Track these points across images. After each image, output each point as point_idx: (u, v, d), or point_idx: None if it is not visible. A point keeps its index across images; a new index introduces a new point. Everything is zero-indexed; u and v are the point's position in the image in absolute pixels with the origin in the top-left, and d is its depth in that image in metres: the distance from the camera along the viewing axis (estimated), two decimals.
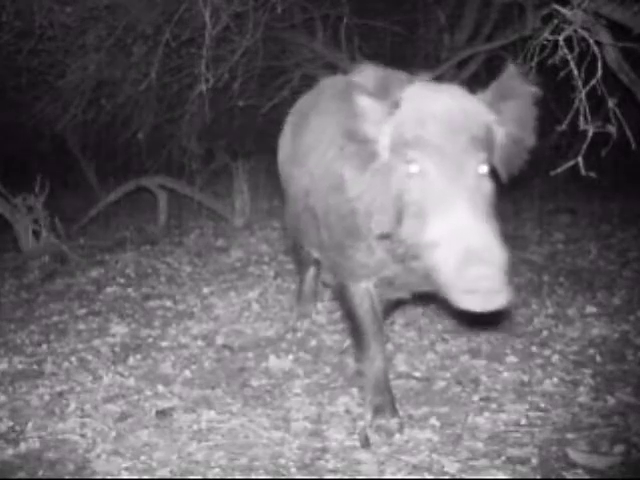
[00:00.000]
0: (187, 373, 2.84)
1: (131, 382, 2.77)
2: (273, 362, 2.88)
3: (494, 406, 2.36)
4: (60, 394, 2.70)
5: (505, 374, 2.62)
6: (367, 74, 1.88)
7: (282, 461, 2.10)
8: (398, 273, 2.11)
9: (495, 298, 1.61)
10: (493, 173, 1.90)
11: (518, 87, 1.92)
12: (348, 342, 2.95)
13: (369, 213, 1.96)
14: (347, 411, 2.41)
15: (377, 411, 2.27)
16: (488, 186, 1.82)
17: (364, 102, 1.88)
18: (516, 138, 1.94)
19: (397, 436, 2.18)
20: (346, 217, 2.16)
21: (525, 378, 2.57)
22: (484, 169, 1.80)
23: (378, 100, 1.87)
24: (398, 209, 1.84)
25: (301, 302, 3.42)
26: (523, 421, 2.25)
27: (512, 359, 2.75)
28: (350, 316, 2.37)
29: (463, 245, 1.62)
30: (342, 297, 2.39)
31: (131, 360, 3.01)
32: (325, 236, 2.38)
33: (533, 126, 1.95)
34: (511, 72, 1.93)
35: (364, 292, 2.31)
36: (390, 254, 2.03)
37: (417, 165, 1.79)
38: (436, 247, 1.68)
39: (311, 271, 3.35)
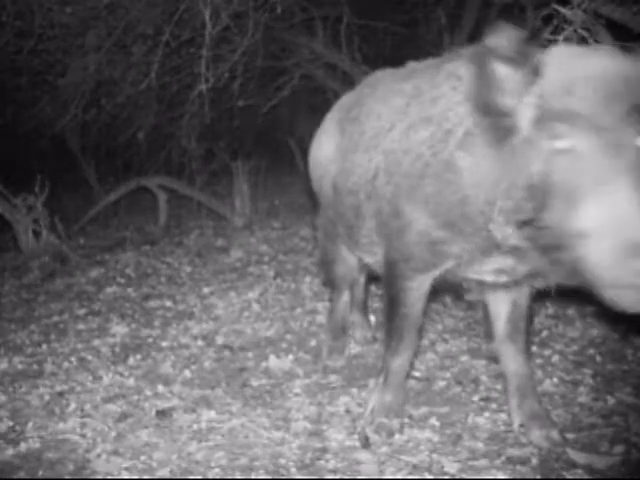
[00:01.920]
0: (187, 373, 2.84)
1: (131, 382, 2.77)
2: (273, 362, 2.88)
3: (494, 406, 2.36)
4: (60, 394, 2.70)
5: None
6: (501, 37, 1.66)
7: (282, 461, 2.09)
8: (506, 265, 1.96)
9: None
10: None
11: None
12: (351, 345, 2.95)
13: (491, 200, 1.78)
14: (347, 411, 2.41)
15: (382, 408, 2.24)
16: None
17: (500, 69, 1.68)
18: None
19: (397, 436, 2.18)
20: (453, 207, 1.92)
21: None
22: None
23: (516, 66, 1.66)
24: (542, 192, 1.64)
25: (333, 334, 2.93)
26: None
27: None
28: (395, 312, 2.21)
29: (626, 235, 1.46)
30: (394, 293, 2.20)
31: (131, 360, 3.01)
32: (399, 223, 2.12)
33: None
34: None
35: (422, 293, 2.16)
36: (530, 243, 1.78)
37: (567, 140, 1.60)
38: (592, 236, 1.52)
39: (345, 295, 2.93)
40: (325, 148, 2.73)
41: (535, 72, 1.65)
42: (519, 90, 1.67)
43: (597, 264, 1.53)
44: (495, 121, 1.72)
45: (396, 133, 2.20)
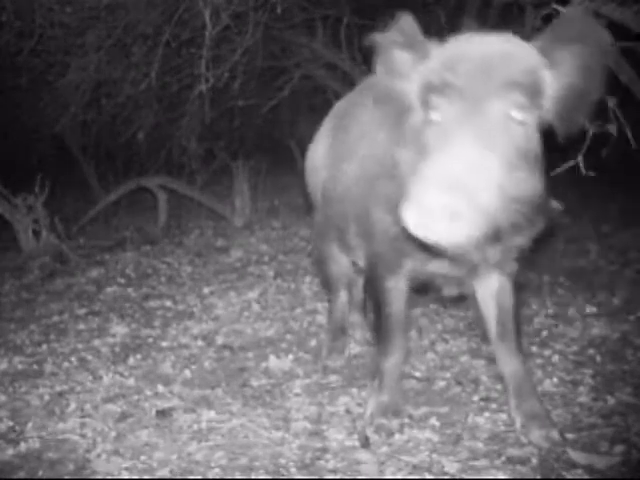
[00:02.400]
0: (187, 373, 2.84)
1: (131, 382, 2.77)
2: (273, 362, 2.88)
3: (494, 406, 2.36)
4: (60, 394, 2.70)
5: None
6: (398, 27, 1.80)
7: (282, 461, 2.09)
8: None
9: (454, 227, 1.47)
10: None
11: (581, 30, 1.69)
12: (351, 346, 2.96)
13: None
14: (347, 411, 2.41)
15: (379, 409, 2.26)
16: (522, 133, 1.66)
17: (392, 54, 1.81)
18: (577, 90, 1.71)
19: (397, 436, 2.18)
20: (392, 199, 1.96)
21: None
22: (519, 115, 1.65)
23: (407, 50, 1.79)
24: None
25: (332, 334, 2.95)
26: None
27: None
28: (379, 313, 2.29)
29: (439, 171, 1.52)
30: (376, 295, 2.29)
31: (131, 360, 3.01)
32: (369, 225, 2.24)
33: (600, 76, 1.70)
34: (572, 14, 1.75)
35: (400, 292, 2.23)
36: None
37: (439, 112, 1.69)
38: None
39: (342, 295, 2.94)
40: (318, 154, 2.82)
41: (424, 53, 1.77)
42: (409, 70, 1.79)
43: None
44: (396, 105, 1.83)
45: (367, 139, 2.35)
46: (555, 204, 1.88)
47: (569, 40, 1.68)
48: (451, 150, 1.56)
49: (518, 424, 2.17)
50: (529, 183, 1.70)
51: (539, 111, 1.71)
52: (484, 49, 1.70)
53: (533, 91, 1.67)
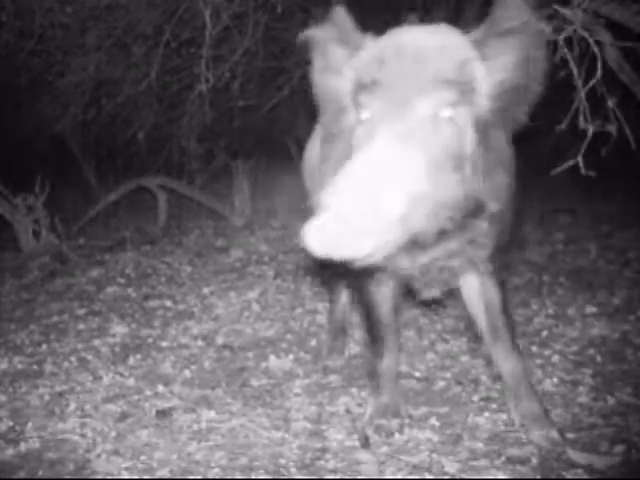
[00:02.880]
0: (187, 373, 2.84)
1: (131, 382, 2.77)
2: (273, 362, 2.88)
3: (494, 406, 2.36)
4: (60, 394, 2.70)
5: None
6: (328, 22, 1.75)
7: (282, 461, 2.09)
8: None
9: (356, 243, 1.37)
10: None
11: (517, 22, 1.61)
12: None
13: None
14: (347, 411, 2.41)
15: (379, 410, 2.26)
16: (451, 132, 1.59)
17: (326, 50, 1.74)
18: (514, 85, 1.64)
19: (397, 436, 2.18)
20: None
21: None
22: (449, 113, 1.58)
23: (341, 45, 1.72)
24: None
25: (332, 334, 2.95)
26: None
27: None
28: (368, 316, 2.26)
29: (347, 180, 1.42)
30: (363, 299, 2.25)
31: (131, 360, 3.01)
32: None
33: (539, 70, 1.63)
34: (508, 3, 1.62)
35: (384, 295, 2.18)
36: None
37: (368, 111, 1.61)
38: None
39: (343, 296, 2.93)
40: (314, 154, 2.78)
41: (357, 47, 1.70)
42: (342, 66, 1.72)
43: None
44: (333, 104, 1.75)
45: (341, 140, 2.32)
46: (493, 205, 1.77)
47: (505, 32, 1.62)
48: (367, 153, 1.48)
49: (517, 424, 2.16)
50: (458, 185, 1.60)
51: (472, 108, 1.63)
52: (415, 43, 1.63)
53: (464, 88, 1.60)
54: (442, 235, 1.65)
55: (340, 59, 1.74)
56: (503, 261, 2.08)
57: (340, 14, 1.75)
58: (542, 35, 1.63)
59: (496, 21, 1.63)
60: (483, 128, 1.66)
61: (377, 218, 1.38)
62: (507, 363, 2.18)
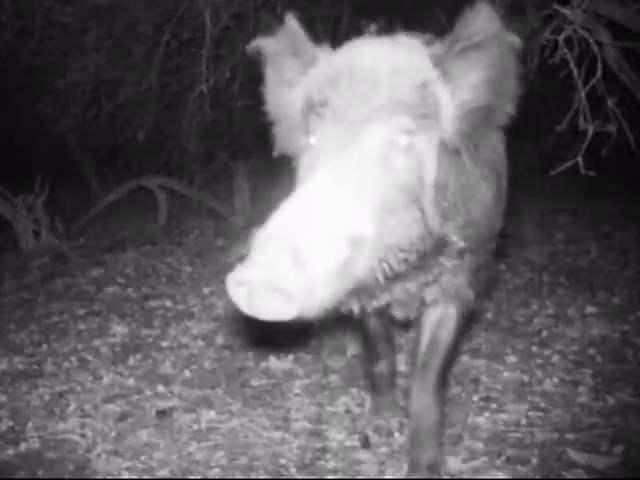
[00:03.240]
0: (187, 373, 2.84)
1: (131, 382, 2.77)
2: (273, 362, 2.88)
3: (494, 406, 2.36)
4: (60, 394, 2.70)
5: (505, 374, 2.62)
6: (286, 32, 1.60)
7: (282, 461, 2.10)
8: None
9: (282, 304, 1.27)
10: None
11: (484, 34, 1.40)
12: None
13: None
14: (347, 411, 2.41)
15: (376, 411, 2.26)
16: (407, 162, 1.41)
17: (279, 62, 1.60)
18: (479, 106, 1.45)
19: (397, 436, 2.18)
20: None
21: (525, 378, 2.57)
22: (404, 140, 1.40)
23: (293, 57, 1.57)
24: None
25: (333, 335, 2.84)
26: (523, 421, 2.25)
27: (512, 359, 2.75)
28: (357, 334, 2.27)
29: (278, 222, 1.27)
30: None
31: (131, 360, 3.01)
32: None
33: (509, 87, 1.44)
34: (476, 14, 1.41)
35: (365, 311, 1.86)
36: None
37: (315, 135, 1.46)
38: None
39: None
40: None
41: (309, 63, 1.55)
42: (293, 82, 1.58)
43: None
44: (288, 123, 1.61)
45: None
46: (460, 241, 1.59)
47: (471, 46, 1.42)
48: (307, 188, 1.32)
49: (405, 468, 1.96)
50: (414, 223, 1.42)
51: (434, 132, 1.45)
52: (370, 61, 1.44)
53: (423, 112, 1.42)
54: (397, 277, 1.46)
55: (293, 72, 1.59)
56: (478, 294, 1.87)
57: (291, 24, 1.61)
58: (512, 48, 1.43)
59: (461, 33, 1.43)
60: (450, 153, 1.49)
61: (310, 272, 1.19)
62: (418, 400, 1.95)
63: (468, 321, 2.06)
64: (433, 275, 1.68)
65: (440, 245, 1.54)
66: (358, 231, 1.29)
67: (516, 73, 1.44)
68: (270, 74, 1.65)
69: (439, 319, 1.92)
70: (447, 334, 1.93)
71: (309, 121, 1.48)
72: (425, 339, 1.94)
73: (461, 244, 1.61)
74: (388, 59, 1.45)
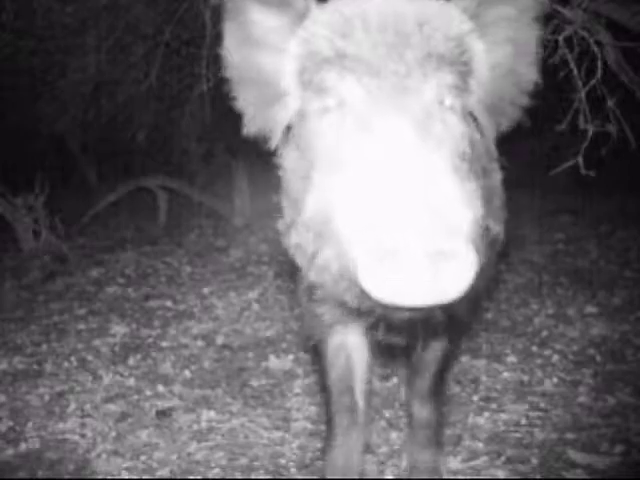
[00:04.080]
0: (187, 373, 2.84)
1: (131, 382, 2.77)
2: (273, 362, 2.88)
3: (494, 406, 2.36)
4: (60, 394, 2.70)
5: (505, 374, 2.62)
6: None
7: (282, 461, 2.09)
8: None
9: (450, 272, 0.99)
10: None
11: None
12: None
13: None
14: None
15: (331, 469, 1.83)
16: (457, 126, 1.21)
17: (248, 18, 1.29)
18: (508, 68, 1.28)
19: (397, 436, 2.18)
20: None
21: (525, 378, 2.57)
22: (450, 101, 1.21)
23: (272, 10, 1.28)
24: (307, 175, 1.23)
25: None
26: (523, 421, 2.25)
27: (512, 359, 2.74)
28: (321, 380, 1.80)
29: (386, 230, 1.01)
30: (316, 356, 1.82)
31: (131, 360, 3.01)
32: None
33: (533, 53, 1.30)
34: None
35: (337, 348, 1.69)
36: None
37: (336, 95, 1.20)
38: (345, 230, 1.09)
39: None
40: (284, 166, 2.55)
41: (301, 15, 1.27)
42: (281, 39, 1.28)
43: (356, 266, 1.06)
44: (261, 90, 1.33)
45: None
46: (492, 225, 1.39)
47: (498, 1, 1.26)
48: (386, 153, 1.08)
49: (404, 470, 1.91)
50: (476, 197, 1.20)
51: (467, 96, 1.27)
52: (392, 8, 1.22)
53: (463, 68, 1.23)
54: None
55: (272, 29, 1.29)
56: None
57: None
58: (538, 9, 1.29)
59: None
60: (473, 125, 1.32)
61: (460, 236, 1.02)
62: (418, 410, 1.89)
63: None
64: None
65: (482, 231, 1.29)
66: (462, 196, 1.09)
67: (538, 38, 1.30)
68: (232, 32, 1.32)
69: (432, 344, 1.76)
70: (431, 360, 1.80)
71: (322, 79, 1.21)
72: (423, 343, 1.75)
73: (497, 230, 1.46)
74: (414, 6, 1.23)
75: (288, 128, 1.38)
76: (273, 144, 1.42)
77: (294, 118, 1.34)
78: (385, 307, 1.06)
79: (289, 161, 1.40)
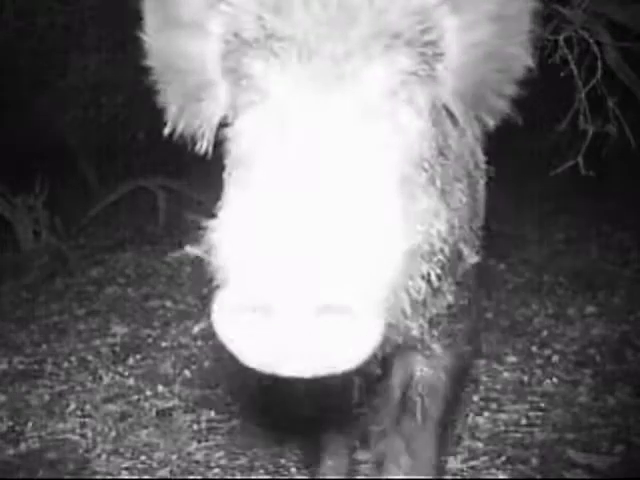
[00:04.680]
0: (187, 373, 2.83)
1: (131, 382, 2.77)
2: None
3: (494, 406, 2.36)
4: (60, 394, 2.70)
5: (505, 374, 2.61)
6: None
7: (282, 461, 2.09)
8: None
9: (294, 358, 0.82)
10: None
11: None
12: None
13: None
14: None
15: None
16: (415, 125, 1.00)
17: None
18: (491, 50, 1.02)
19: None
20: None
21: (525, 378, 2.57)
22: (405, 91, 0.99)
23: None
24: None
25: None
26: (523, 421, 2.25)
27: (512, 359, 2.74)
28: None
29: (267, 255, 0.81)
30: None
31: (131, 360, 3.01)
32: None
33: (525, 31, 1.03)
34: None
35: None
36: None
37: (260, 86, 0.99)
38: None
39: None
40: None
41: None
42: (206, 18, 1.07)
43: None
44: (187, 82, 1.12)
45: None
46: (470, 254, 1.21)
47: None
48: (300, 163, 0.86)
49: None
50: (435, 218, 1.00)
51: (433, 85, 1.03)
52: None
53: (423, 51, 0.99)
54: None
55: (195, 5, 1.07)
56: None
57: None
58: None
59: None
60: (443, 121, 1.09)
61: (365, 292, 0.79)
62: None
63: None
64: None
65: (455, 257, 1.13)
66: (392, 221, 0.87)
67: (531, 14, 1.03)
68: (152, 13, 1.11)
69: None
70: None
71: (242, 67, 1.01)
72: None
73: (474, 259, 1.24)
74: None
75: (223, 127, 1.13)
76: (202, 146, 1.20)
77: (229, 114, 1.10)
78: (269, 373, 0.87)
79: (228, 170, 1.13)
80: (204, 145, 1.20)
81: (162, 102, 1.19)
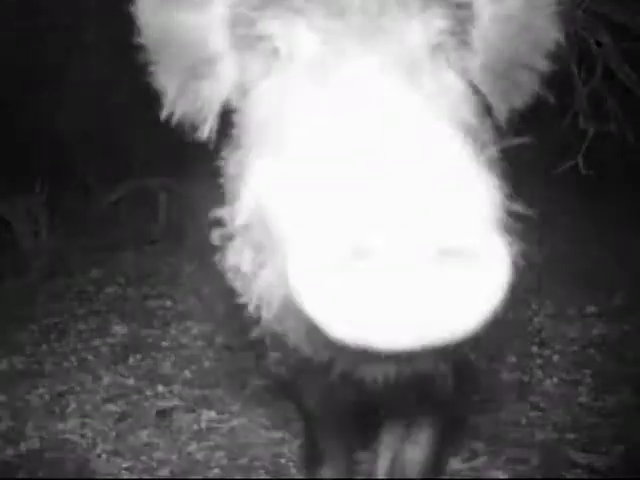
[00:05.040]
0: (187, 373, 2.83)
1: (131, 382, 2.77)
2: None
3: (494, 406, 2.36)
4: (60, 394, 2.70)
5: (505, 374, 2.61)
6: None
7: (282, 461, 2.09)
8: None
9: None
10: None
11: None
12: None
13: None
14: None
15: None
16: (457, 88, 0.94)
17: None
18: (521, 22, 0.96)
19: None
20: None
21: (525, 378, 2.57)
22: (446, 53, 0.94)
23: None
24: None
25: None
26: (523, 421, 2.25)
27: (512, 359, 2.74)
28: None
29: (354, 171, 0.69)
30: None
31: (131, 360, 3.01)
32: None
33: (553, 3, 0.97)
34: None
35: None
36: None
37: (281, 48, 0.92)
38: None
39: None
40: None
41: None
42: None
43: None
44: (185, 59, 1.02)
45: None
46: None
47: None
48: (356, 118, 0.75)
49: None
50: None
51: (469, 56, 0.98)
52: None
53: (462, 13, 0.93)
54: None
55: None
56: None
57: None
58: None
59: None
60: (475, 101, 1.01)
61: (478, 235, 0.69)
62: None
63: None
64: None
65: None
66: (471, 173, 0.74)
67: (552, 25, 0.97)
68: None
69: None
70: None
71: (250, 36, 0.92)
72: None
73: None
74: None
75: (226, 112, 1.05)
76: (204, 132, 1.07)
77: (233, 95, 1.02)
78: (349, 357, 0.72)
79: (231, 159, 1.04)
80: (205, 131, 1.07)
81: (157, 84, 1.07)
